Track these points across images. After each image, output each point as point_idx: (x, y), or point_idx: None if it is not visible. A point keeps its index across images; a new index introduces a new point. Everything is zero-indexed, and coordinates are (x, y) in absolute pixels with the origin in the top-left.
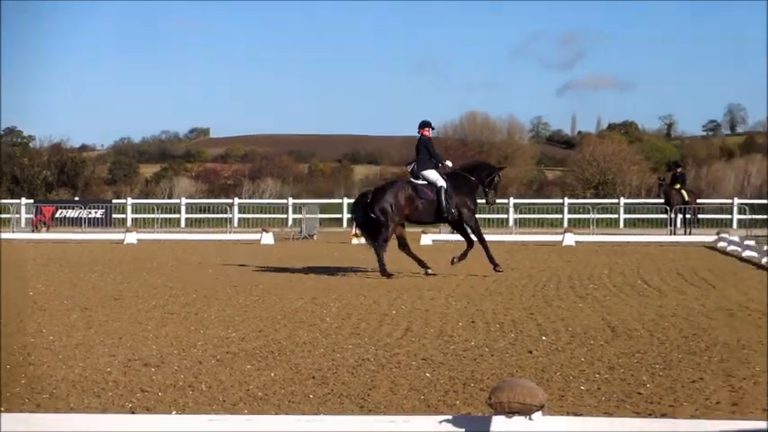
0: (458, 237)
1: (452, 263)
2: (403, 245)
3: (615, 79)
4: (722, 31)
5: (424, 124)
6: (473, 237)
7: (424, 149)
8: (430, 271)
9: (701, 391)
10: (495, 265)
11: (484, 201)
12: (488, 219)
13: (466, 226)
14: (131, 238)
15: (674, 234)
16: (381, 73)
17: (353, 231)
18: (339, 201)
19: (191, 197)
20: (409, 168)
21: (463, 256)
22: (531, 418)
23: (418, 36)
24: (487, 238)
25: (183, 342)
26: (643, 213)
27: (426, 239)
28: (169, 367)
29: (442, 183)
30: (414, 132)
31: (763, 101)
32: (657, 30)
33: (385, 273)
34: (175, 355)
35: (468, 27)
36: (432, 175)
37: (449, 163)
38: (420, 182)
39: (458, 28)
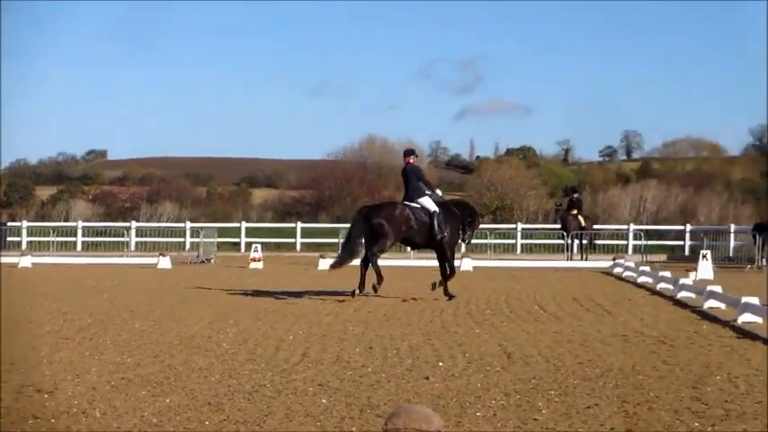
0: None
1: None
2: (366, 262)
3: (514, 104)
4: (618, 58)
5: (409, 152)
6: (443, 263)
7: (414, 177)
8: (372, 293)
9: (596, 417)
10: (450, 296)
11: (460, 239)
12: None
13: (444, 249)
14: (26, 261)
15: (571, 260)
16: (280, 96)
17: (252, 256)
18: (237, 225)
19: (87, 220)
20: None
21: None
22: None
23: (317, 59)
24: (385, 263)
25: (78, 368)
26: (540, 239)
27: (325, 264)
28: (63, 393)
29: (435, 208)
30: (312, 156)
31: (659, 127)
32: (555, 56)
33: (380, 282)
34: (69, 381)
35: (367, 50)
36: (426, 201)
37: (438, 192)
38: (414, 205)
39: (358, 51)
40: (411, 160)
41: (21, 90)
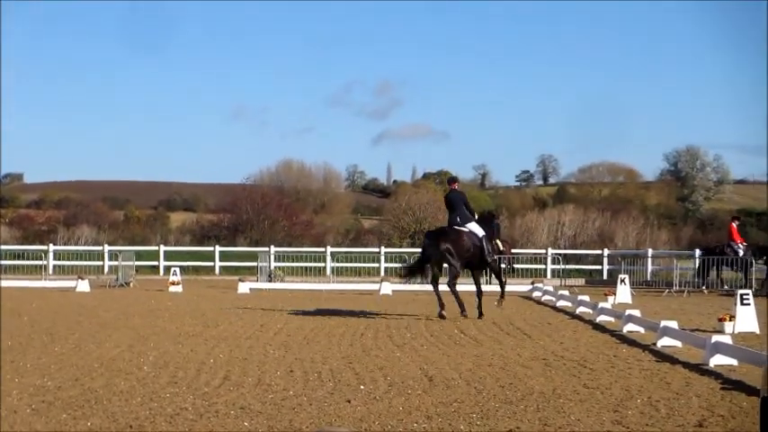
0: (270, 286)
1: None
2: (436, 283)
3: (430, 128)
4: (534, 83)
5: (453, 180)
6: (501, 279)
7: (461, 203)
8: (465, 313)
9: None
10: (481, 314)
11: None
12: (306, 267)
13: (492, 270)
14: None
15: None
16: (196, 120)
17: (171, 279)
18: (155, 248)
19: (5, 243)
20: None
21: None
22: None
23: (234, 83)
24: (303, 286)
25: None
26: None
27: (244, 287)
28: None
29: (483, 232)
30: (229, 180)
31: (575, 152)
32: (471, 80)
33: (464, 310)
34: None
35: (284, 75)
36: (474, 226)
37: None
38: (465, 229)
39: (274, 75)
40: (455, 187)
41: None
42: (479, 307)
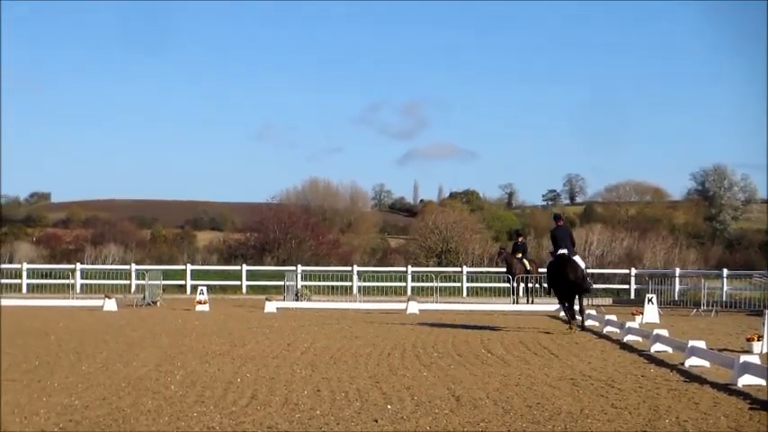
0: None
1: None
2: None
3: (457, 148)
4: (561, 102)
5: (559, 217)
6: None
7: (568, 237)
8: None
9: None
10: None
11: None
12: (332, 287)
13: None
14: None
15: (517, 303)
16: (224, 139)
17: (198, 298)
18: (182, 267)
19: (32, 262)
20: (560, 252)
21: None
22: None
23: (261, 102)
24: (330, 305)
25: (26, 410)
26: (486, 282)
27: (271, 306)
28: None
29: (584, 264)
30: (255, 199)
31: (601, 171)
32: (498, 100)
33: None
34: (17, 424)
35: (311, 94)
36: (579, 259)
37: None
38: (578, 261)
39: (301, 95)
40: (561, 223)
41: None
42: (582, 322)
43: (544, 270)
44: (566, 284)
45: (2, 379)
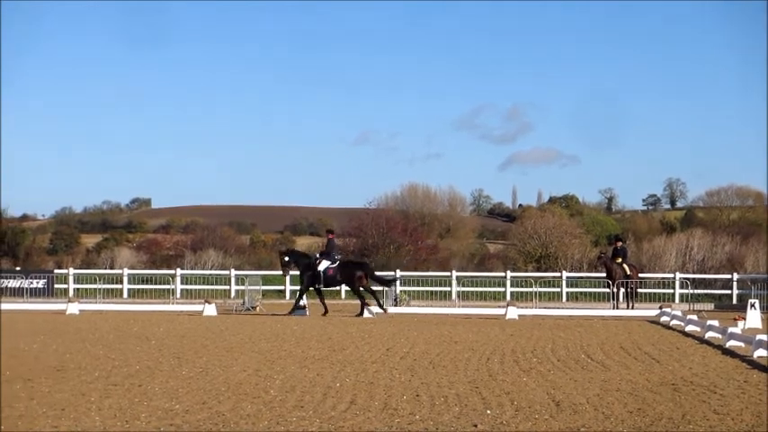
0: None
1: None
2: None
3: (559, 152)
4: (661, 106)
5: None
6: None
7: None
8: None
9: None
10: None
11: None
12: (431, 291)
13: None
14: (73, 308)
15: (617, 308)
16: (323, 145)
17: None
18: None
19: (133, 267)
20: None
21: None
22: None
23: (362, 107)
24: (429, 310)
25: (127, 414)
26: (585, 287)
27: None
28: None
29: None
30: (353, 204)
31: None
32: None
33: None
34: (119, 427)
35: (410, 99)
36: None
37: None
38: None
39: (400, 100)
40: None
41: (69, 139)
42: None
43: (644, 275)
44: None
45: (105, 384)
